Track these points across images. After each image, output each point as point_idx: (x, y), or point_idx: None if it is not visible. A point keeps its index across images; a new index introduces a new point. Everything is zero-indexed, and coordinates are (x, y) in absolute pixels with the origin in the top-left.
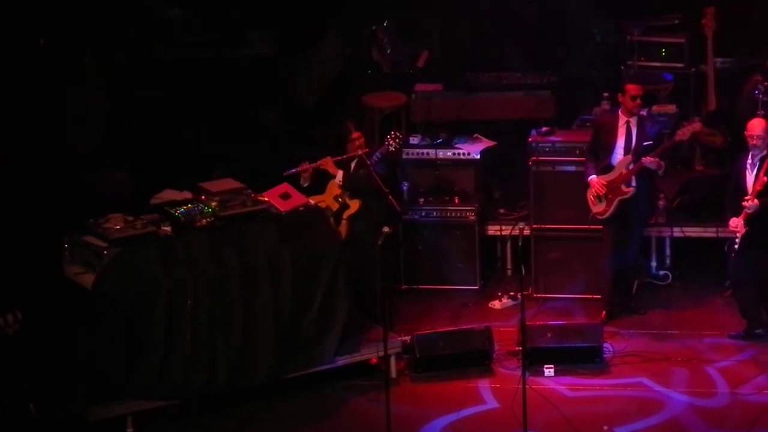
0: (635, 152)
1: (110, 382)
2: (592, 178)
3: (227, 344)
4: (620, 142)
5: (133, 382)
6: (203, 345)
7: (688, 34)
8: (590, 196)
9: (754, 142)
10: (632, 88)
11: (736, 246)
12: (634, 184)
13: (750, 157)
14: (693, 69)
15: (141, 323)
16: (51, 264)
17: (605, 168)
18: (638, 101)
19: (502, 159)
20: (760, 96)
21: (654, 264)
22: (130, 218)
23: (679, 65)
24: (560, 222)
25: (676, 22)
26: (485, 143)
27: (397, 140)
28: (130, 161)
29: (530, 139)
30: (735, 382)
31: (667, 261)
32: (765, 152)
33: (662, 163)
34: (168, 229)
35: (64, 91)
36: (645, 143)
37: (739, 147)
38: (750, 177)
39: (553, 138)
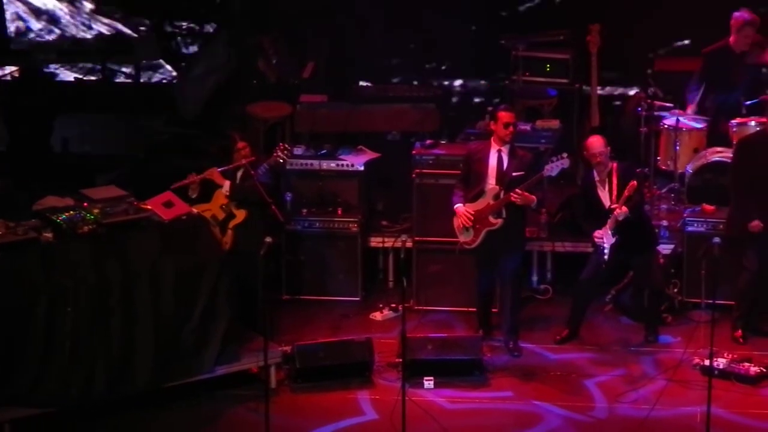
0: (504, 183)
1: None
2: (459, 207)
3: (107, 352)
4: (491, 172)
5: (10, 389)
6: (82, 352)
7: (572, 51)
8: (457, 226)
9: (598, 159)
10: (504, 116)
11: (606, 256)
12: (503, 215)
13: (597, 174)
14: (577, 85)
15: (20, 329)
16: None
17: (476, 196)
18: (511, 129)
19: (386, 171)
20: (643, 113)
21: (535, 278)
22: (12, 224)
23: (564, 81)
24: (442, 235)
25: (561, 38)
26: (369, 155)
27: (286, 152)
28: (12, 167)
29: (414, 152)
30: (613, 396)
31: (548, 275)
32: (609, 166)
33: (532, 197)
34: (49, 235)
35: None
36: (515, 173)
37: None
38: (603, 192)
39: (436, 151)
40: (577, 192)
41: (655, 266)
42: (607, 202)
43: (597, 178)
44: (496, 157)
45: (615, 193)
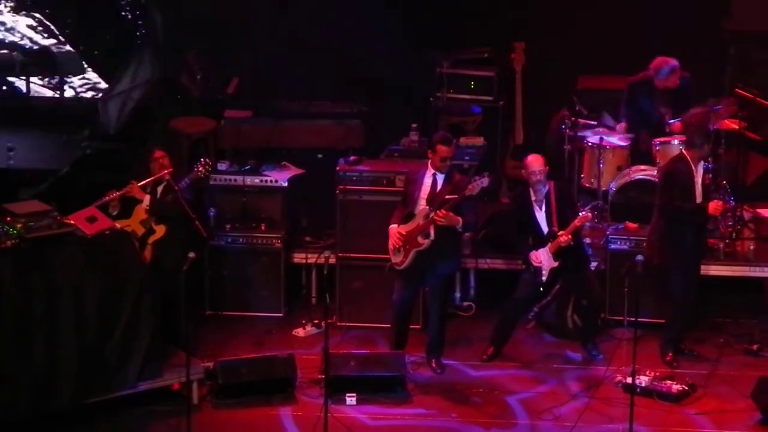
0: (435, 205)
1: None
2: (392, 228)
3: (30, 368)
4: (423, 193)
5: None
6: (5, 368)
7: (497, 68)
8: (390, 247)
9: (537, 177)
10: (442, 150)
11: (545, 279)
12: (431, 236)
13: (533, 193)
14: (501, 102)
15: None
16: None
17: (408, 217)
18: (447, 163)
19: (310, 187)
20: (567, 131)
21: (458, 295)
22: None
23: (488, 98)
24: (366, 251)
25: (486, 55)
26: (293, 171)
27: (207, 167)
28: None
29: (338, 168)
30: (535, 413)
31: (472, 292)
32: (547, 187)
33: (457, 219)
34: None
35: None
36: (448, 196)
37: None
38: (540, 214)
39: (360, 167)
40: (510, 209)
41: (592, 278)
42: (544, 224)
43: (533, 198)
44: (431, 179)
45: (554, 215)
